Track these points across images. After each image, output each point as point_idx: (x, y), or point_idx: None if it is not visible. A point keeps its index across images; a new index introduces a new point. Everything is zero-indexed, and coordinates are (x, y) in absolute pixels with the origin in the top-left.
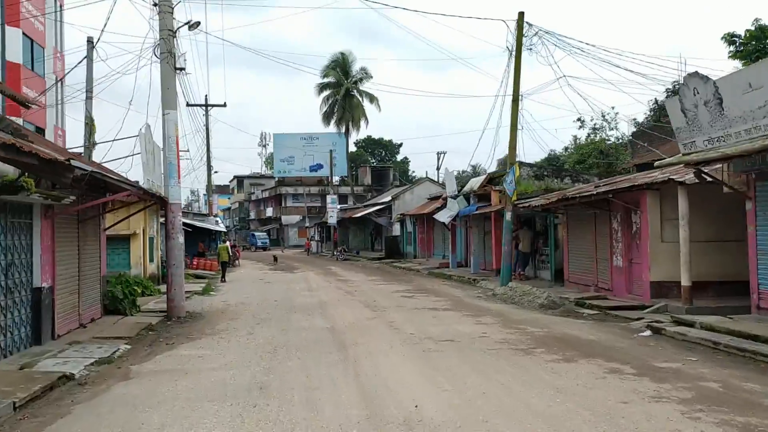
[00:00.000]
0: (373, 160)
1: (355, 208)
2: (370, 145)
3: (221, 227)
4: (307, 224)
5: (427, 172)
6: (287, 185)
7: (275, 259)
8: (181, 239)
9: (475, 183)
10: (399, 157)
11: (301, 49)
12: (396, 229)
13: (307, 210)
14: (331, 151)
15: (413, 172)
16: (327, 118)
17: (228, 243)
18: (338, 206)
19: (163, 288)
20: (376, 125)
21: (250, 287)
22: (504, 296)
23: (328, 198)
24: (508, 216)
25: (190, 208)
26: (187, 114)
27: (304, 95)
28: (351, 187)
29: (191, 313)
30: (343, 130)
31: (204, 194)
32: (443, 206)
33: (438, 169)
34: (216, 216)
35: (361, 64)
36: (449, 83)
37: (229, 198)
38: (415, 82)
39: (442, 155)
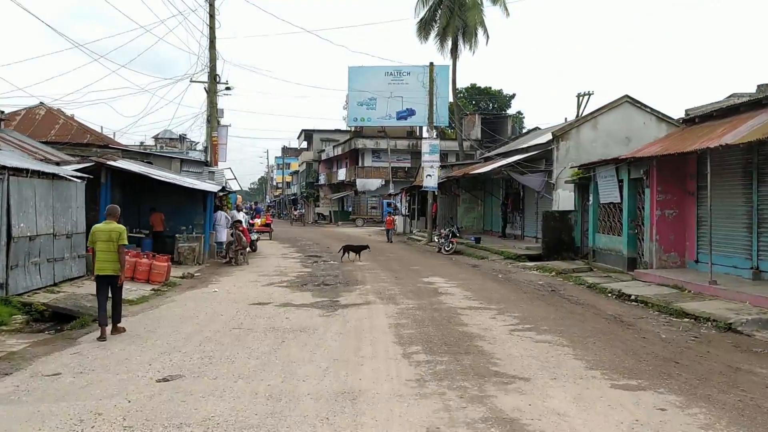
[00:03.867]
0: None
1: (469, 164)
2: (474, 95)
3: (218, 186)
4: (392, 191)
5: (566, 118)
6: (365, 137)
7: (350, 252)
8: None
9: None
10: (510, 112)
11: None
12: (564, 199)
13: (392, 172)
14: (431, 63)
15: (525, 130)
16: (425, 28)
17: (229, 213)
18: (439, 162)
19: None
20: (485, 64)
21: None
22: None
23: (425, 145)
24: None
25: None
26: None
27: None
28: (459, 141)
29: None
30: (449, 47)
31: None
32: None
33: (579, 115)
34: (222, 169)
35: None
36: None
37: (296, 161)
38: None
39: (586, 97)
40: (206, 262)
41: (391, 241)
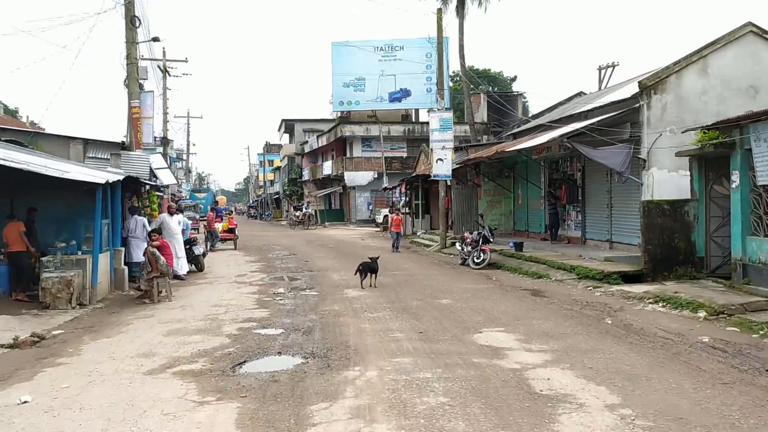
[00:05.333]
0: None
1: (490, 144)
2: (473, 78)
3: (111, 175)
4: (386, 184)
5: (588, 92)
6: (353, 123)
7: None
8: None
9: None
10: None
11: None
12: (661, 182)
13: (386, 162)
14: (439, 9)
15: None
16: None
17: (156, 218)
18: (453, 142)
19: None
20: (482, 46)
21: None
22: None
23: (434, 120)
24: None
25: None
26: None
27: None
28: (470, 119)
29: None
30: (454, 5)
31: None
32: None
33: (601, 88)
34: (145, 154)
35: None
36: None
37: (279, 157)
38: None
39: (609, 69)
40: (98, 300)
41: (398, 250)
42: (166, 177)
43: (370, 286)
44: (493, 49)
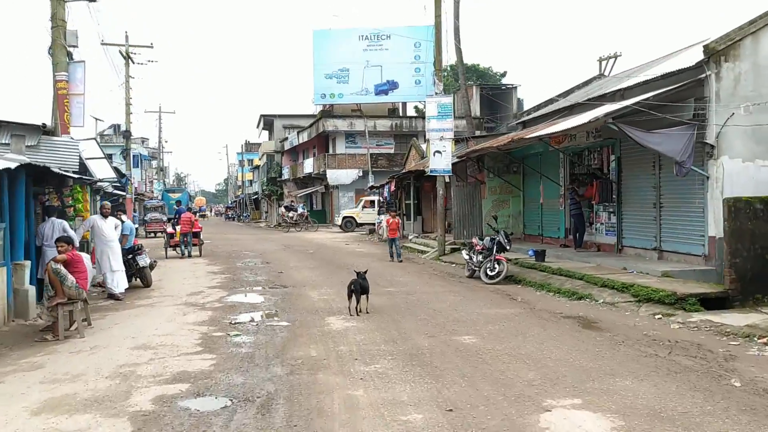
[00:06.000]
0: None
1: (493, 136)
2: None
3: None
4: (372, 182)
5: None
6: (336, 117)
7: None
8: None
9: None
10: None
11: None
12: (733, 174)
13: (371, 159)
14: None
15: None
16: None
17: (87, 221)
18: (453, 131)
19: None
20: (471, 41)
21: None
22: None
23: (431, 106)
24: None
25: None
26: None
27: None
28: (467, 109)
29: None
30: None
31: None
32: None
33: (603, 74)
34: (73, 141)
35: None
36: None
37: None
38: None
39: (611, 60)
40: None
41: (398, 259)
42: (100, 169)
43: (360, 311)
44: (483, 45)
